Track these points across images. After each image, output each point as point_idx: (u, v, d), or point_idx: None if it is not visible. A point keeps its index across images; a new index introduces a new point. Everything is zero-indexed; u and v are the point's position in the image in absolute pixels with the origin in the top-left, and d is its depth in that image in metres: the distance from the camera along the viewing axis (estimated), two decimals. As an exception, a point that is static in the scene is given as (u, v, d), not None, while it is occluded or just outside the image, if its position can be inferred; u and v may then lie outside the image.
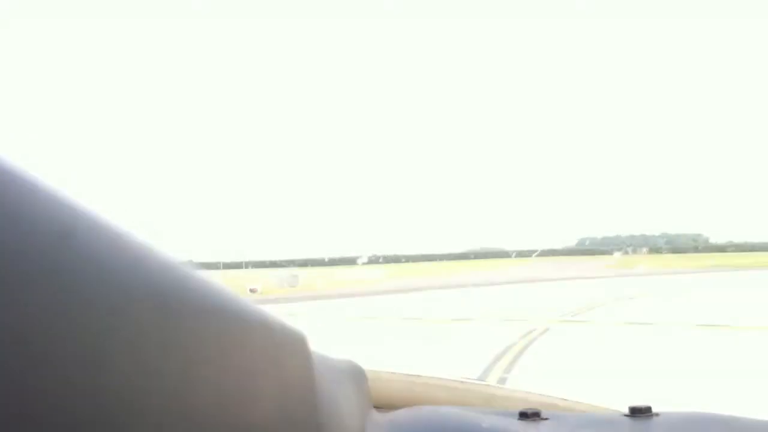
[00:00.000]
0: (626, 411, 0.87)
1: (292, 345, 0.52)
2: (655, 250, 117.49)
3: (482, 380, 1.29)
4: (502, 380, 8.59)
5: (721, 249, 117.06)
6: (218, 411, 0.35)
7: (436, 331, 14.68)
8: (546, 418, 0.87)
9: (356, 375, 0.92)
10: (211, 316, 0.37)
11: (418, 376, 1.17)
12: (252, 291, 36.01)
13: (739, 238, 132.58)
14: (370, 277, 50.36)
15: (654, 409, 0.86)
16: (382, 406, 1.01)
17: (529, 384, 8.01)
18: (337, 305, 24.51)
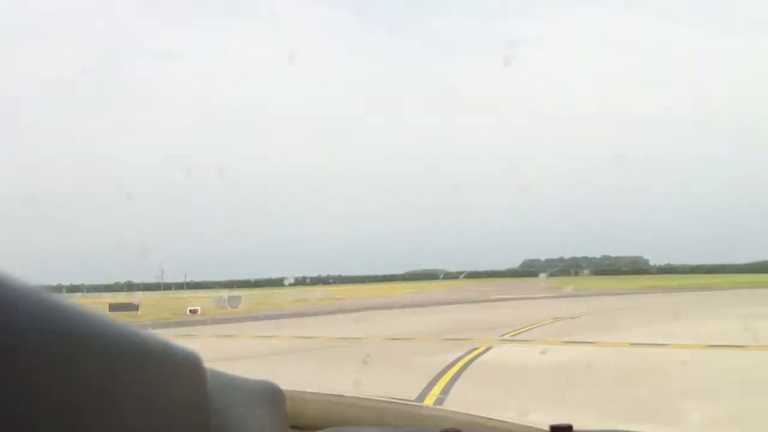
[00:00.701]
0: (547, 429, 0.88)
1: (181, 367, 0.51)
2: (596, 272, 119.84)
3: (408, 400, 1.27)
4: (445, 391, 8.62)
5: (660, 271, 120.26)
6: None
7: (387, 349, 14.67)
8: None
9: (271, 396, 0.90)
10: (84, 340, 0.36)
11: (341, 395, 1.15)
12: (192, 312, 35.39)
13: (677, 261, 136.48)
14: (310, 297, 50.06)
15: (575, 427, 0.87)
16: (302, 428, 1.00)
17: (465, 400, 8.04)
18: (293, 324, 24.27)
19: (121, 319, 0.45)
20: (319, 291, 54.49)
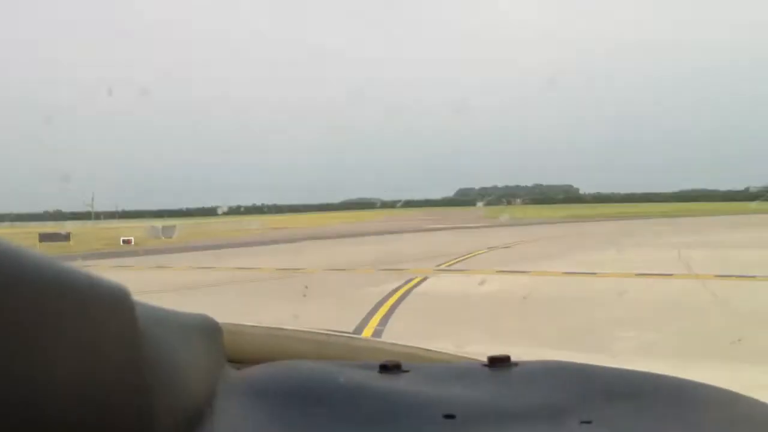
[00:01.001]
0: (485, 360, 0.89)
1: (108, 301, 0.51)
2: (529, 201, 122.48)
3: (347, 332, 1.24)
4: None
5: (592, 200, 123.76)
6: (22, 376, 0.35)
7: (338, 278, 14.71)
8: (407, 370, 0.87)
9: (208, 330, 0.88)
10: (4, 276, 0.36)
11: (281, 329, 1.15)
12: (126, 242, 34.80)
13: (606, 190, 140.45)
14: (245, 227, 49.75)
15: (513, 358, 0.88)
16: (241, 361, 0.98)
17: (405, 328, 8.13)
18: (229, 254, 24.07)
19: (47, 251, 0.46)
20: (254, 221, 54.19)
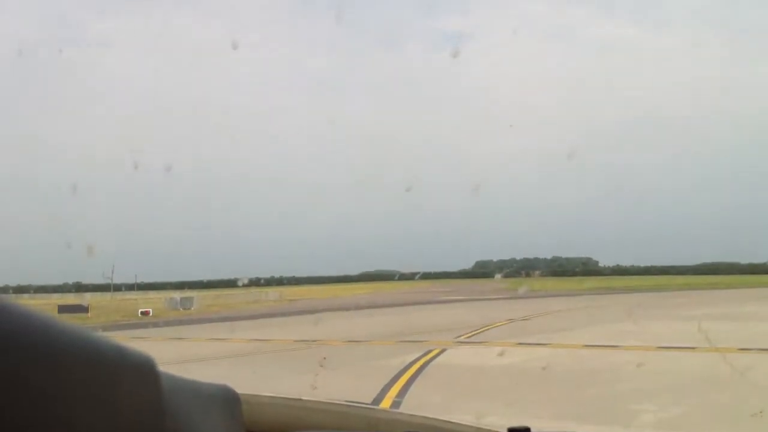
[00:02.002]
0: None
1: (134, 370, 0.51)
2: (548, 273, 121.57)
3: (367, 403, 1.29)
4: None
5: (611, 272, 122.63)
6: None
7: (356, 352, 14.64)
8: None
9: (228, 400, 0.89)
10: (33, 344, 0.36)
11: (299, 399, 1.15)
12: (144, 314, 34.84)
13: (625, 262, 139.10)
14: (264, 298, 49.67)
15: (533, 430, 0.89)
16: None
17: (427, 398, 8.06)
18: (248, 326, 24.03)
19: (71, 321, 0.46)
20: (273, 292, 54.09)
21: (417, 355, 13.36)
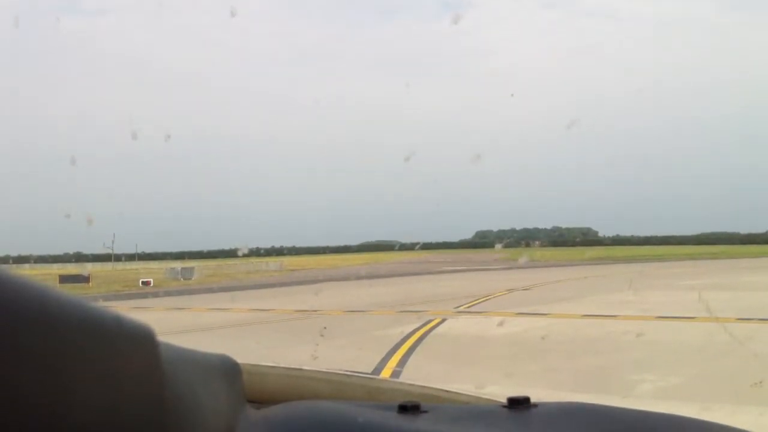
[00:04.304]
0: (505, 401, 0.87)
1: (134, 340, 0.51)
2: (547, 243, 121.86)
3: (367, 373, 1.27)
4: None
5: (611, 242, 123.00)
6: (48, 413, 0.35)
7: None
8: (425, 411, 0.86)
9: (228, 370, 0.88)
10: (33, 314, 0.37)
11: (300, 369, 1.14)
12: (145, 284, 34.96)
13: (625, 233, 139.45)
14: (264, 268, 49.80)
15: (533, 400, 0.86)
16: (260, 401, 0.97)
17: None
18: (248, 296, 24.13)
19: (71, 291, 0.47)
20: (274, 262, 54.25)
21: (417, 325, 13.41)
